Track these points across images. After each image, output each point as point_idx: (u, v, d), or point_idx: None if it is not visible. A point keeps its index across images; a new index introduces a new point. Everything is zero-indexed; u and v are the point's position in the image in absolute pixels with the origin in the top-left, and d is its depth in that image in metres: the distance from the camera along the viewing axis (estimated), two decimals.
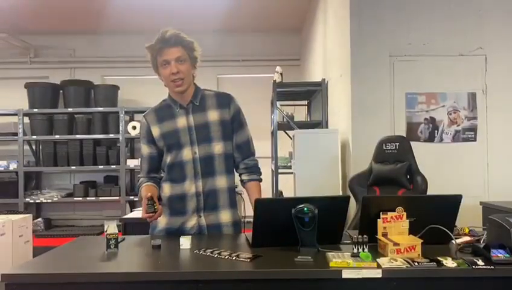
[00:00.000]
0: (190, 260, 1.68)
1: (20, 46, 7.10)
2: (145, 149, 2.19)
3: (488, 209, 3.39)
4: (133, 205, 6.48)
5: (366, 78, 3.87)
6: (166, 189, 2.14)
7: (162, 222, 2.13)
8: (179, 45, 2.06)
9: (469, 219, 2.44)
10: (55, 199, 6.63)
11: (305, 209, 1.67)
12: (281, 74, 4.99)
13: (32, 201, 6.60)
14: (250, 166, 2.23)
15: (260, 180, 2.25)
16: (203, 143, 2.10)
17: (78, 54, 7.45)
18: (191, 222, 2.10)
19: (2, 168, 6.57)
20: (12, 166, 6.56)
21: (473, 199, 3.56)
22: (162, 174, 2.21)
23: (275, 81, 4.92)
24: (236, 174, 2.25)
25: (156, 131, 2.14)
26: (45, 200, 6.64)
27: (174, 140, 2.11)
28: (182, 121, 2.12)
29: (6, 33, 6.61)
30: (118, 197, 6.54)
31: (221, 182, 2.13)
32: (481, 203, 3.56)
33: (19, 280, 1.49)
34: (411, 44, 3.90)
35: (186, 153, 2.10)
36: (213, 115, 2.13)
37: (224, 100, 2.18)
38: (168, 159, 2.13)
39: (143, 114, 2.21)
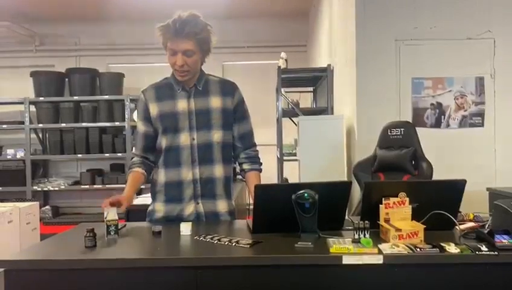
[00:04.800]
0: (190, 247, 1.66)
1: (25, 35, 7.09)
2: (140, 126, 2.12)
3: (495, 195, 3.35)
4: (139, 192, 6.50)
5: (372, 63, 3.82)
6: (162, 174, 2.09)
7: (160, 209, 2.10)
8: (192, 38, 1.94)
9: (476, 205, 2.41)
10: (62, 187, 6.67)
11: (305, 195, 1.64)
12: (286, 60, 4.94)
13: (39, 189, 6.65)
14: (252, 156, 2.20)
15: (260, 170, 2.22)
16: (203, 130, 2.06)
17: (83, 42, 7.44)
18: (189, 209, 2.07)
19: (10, 157, 6.60)
20: (20, 154, 6.60)
21: (479, 185, 3.52)
22: (154, 157, 2.15)
23: (279, 67, 4.87)
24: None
25: (153, 109, 2.08)
26: (52, 188, 6.68)
27: (171, 123, 2.05)
28: (182, 104, 2.06)
29: (11, 21, 6.60)
30: (124, 185, 6.53)
31: (218, 170, 2.09)
32: (488, 189, 3.51)
33: (18, 266, 1.49)
34: (417, 28, 3.83)
35: (184, 139, 2.05)
36: (215, 102, 2.08)
37: (228, 88, 2.13)
38: (163, 142, 2.07)
39: (141, 90, 2.15)
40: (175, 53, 1.98)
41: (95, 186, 6.65)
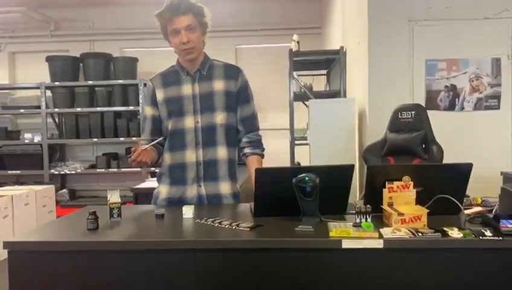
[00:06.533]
0: (190, 229, 1.67)
1: (40, 20, 7.14)
2: (148, 111, 2.17)
3: (509, 179, 3.27)
4: (154, 176, 6.56)
5: (384, 44, 3.73)
6: (167, 157, 2.13)
7: (164, 192, 2.14)
8: (189, 13, 2.00)
9: (490, 190, 2.36)
10: (78, 171, 6.77)
11: (306, 178, 1.62)
12: (298, 42, 4.87)
13: (57, 173, 6.76)
14: (254, 140, 2.19)
15: (262, 155, 2.21)
16: (206, 112, 2.08)
17: (96, 27, 7.45)
18: (191, 192, 2.09)
19: (27, 141, 6.72)
20: (37, 138, 6.70)
21: (495, 170, 3.45)
22: (163, 140, 2.18)
23: (291, 49, 4.81)
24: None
25: (160, 95, 2.12)
26: (69, 172, 6.79)
27: (176, 106, 2.08)
28: (187, 89, 2.10)
29: (26, 7, 6.65)
30: (139, 169, 6.60)
31: (221, 153, 2.10)
32: (502, 173, 3.44)
33: (21, 247, 1.51)
34: (431, 8, 3.72)
35: (188, 122, 2.08)
36: (218, 85, 2.10)
37: (232, 72, 2.15)
38: (169, 126, 2.11)
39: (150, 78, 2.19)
40: (178, 32, 2.02)
41: (110, 170, 6.73)
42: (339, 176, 1.73)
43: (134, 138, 6.61)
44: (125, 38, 7.34)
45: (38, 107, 6.69)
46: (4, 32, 7.37)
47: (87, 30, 7.42)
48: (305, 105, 5.47)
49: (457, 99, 3.75)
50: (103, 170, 6.73)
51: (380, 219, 1.68)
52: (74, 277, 1.50)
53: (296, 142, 4.75)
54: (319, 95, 4.84)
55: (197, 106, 2.08)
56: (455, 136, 3.58)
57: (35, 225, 4.74)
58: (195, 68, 2.11)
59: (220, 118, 2.09)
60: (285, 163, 5.44)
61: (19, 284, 1.50)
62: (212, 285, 1.50)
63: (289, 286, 1.49)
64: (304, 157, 4.81)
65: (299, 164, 5.05)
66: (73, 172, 6.80)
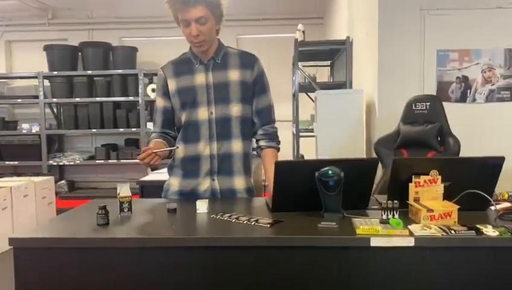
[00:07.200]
0: (206, 225, 1.58)
1: (37, 8, 6.99)
2: (160, 102, 2.07)
3: None
4: (154, 168, 6.46)
5: (394, 34, 3.64)
6: (180, 149, 2.03)
7: (175, 184, 2.04)
8: (201, 4, 1.84)
9: (503, 184, 2.28)
10: (77, 162, 6.68)
11: (330, 172, 1.53)
12: (303, 32, 4.76)
13: (55, 164, 6.67)
14: (270, 133, 2.09)
15: (278, 149, 2.11)
16: (221, 103, 1.97)
17: (95, 15, 7.31)
18: (204, 185, 2.00)
19: (25, 131, 6.62)
20: (35, 129, 6.60)
21: (507, 163, 3.37)
22: (175, 132, 2.10)
23: (296, 39, 4.71)
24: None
25: (172, 85, 2.01)
26: (68, 163, 6.69)
27: (189, 97, 1.98)
28: (200, 78, 1.99)
29: None
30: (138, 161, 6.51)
31: (236, 146, 2.00)
32: None
33: (28, 244, 1.42)
34: None
35: (202, 113, 1.98)
36: (234, 75, 1.99)
37: (248, 60, 2.03)
38: (182, 117, 2.01)
39: (161, 66, 2.08)
40: (188, 24, 1.89)
41: (109, 161, 6.65)
42: (362, 170, 1.65)
43: (134, 129, 6.51)
44: (124, 28, 7.22)
45: (36, 97, 6.58)
46: (1, 21, 7.22)
47: (85, 19, 7.28)
48: (309, 96, 5.38)
49: (468, 91, 3.67)
50: (102, 161, 6.65)
51: (405, 214, 1.60)
52: (84, 274, 1.41)
53: (301, 134, 4.67)
54: (324, 86, 4.74)
55: (210, 96, 1.97)
56: (466, 129, 3.50)
57: (34, 217, 4.65)
58: (208, 56, 1.99)
59: (235, 109, 1.98)
60: (288, 155, 5.36)
61: (24, 282, 1.41)
62: (230, 284, 1.41)
63: (312, 285, 1.40)
64: (307, 149, 4.73)
65: (302, 156, 4.97)
66: (71, 163, 6.70)
